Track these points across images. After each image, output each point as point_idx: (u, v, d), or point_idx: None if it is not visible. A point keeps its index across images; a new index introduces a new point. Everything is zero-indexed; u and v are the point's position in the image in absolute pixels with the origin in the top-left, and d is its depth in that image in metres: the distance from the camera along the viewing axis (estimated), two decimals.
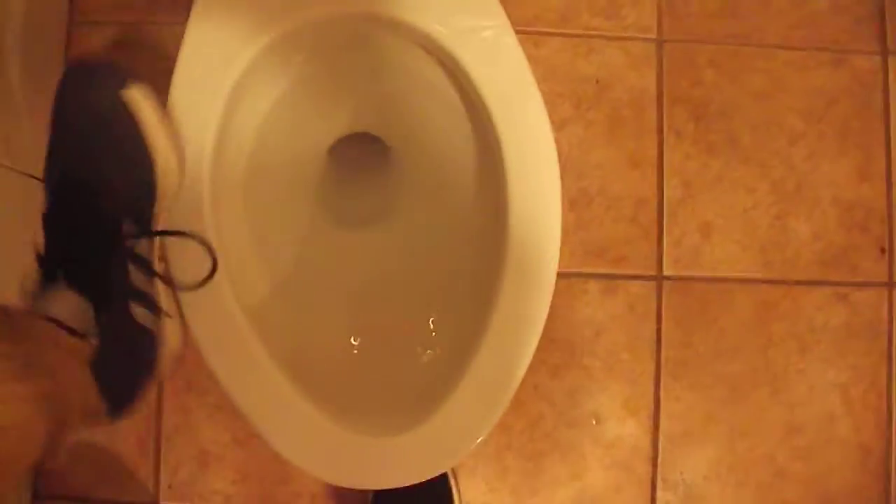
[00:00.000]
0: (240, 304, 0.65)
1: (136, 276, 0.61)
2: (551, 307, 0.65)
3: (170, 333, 0.66)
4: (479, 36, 0.67)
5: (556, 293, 0.92)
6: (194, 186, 0.65)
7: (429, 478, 0.65)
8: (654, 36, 0.97)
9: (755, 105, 0.97)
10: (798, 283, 0.96)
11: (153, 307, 0.63)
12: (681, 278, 0.95)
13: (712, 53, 0.97)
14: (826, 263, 0.97)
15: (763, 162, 0.97)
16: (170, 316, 0.65)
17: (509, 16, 0.68)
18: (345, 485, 0.66)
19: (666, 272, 0.95)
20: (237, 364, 0.66)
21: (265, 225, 0.77)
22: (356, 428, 0.65)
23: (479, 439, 0.64)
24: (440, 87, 0.75)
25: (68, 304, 0.55)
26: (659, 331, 0.95)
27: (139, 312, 0.61)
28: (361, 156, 0.88)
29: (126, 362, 0.61)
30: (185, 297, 0.64)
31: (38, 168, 0.91)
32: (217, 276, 0.63)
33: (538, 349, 0.64)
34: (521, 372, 0.65)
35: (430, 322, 0.77)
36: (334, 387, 0.72)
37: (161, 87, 0.93)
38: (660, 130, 0.96)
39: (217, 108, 0.66)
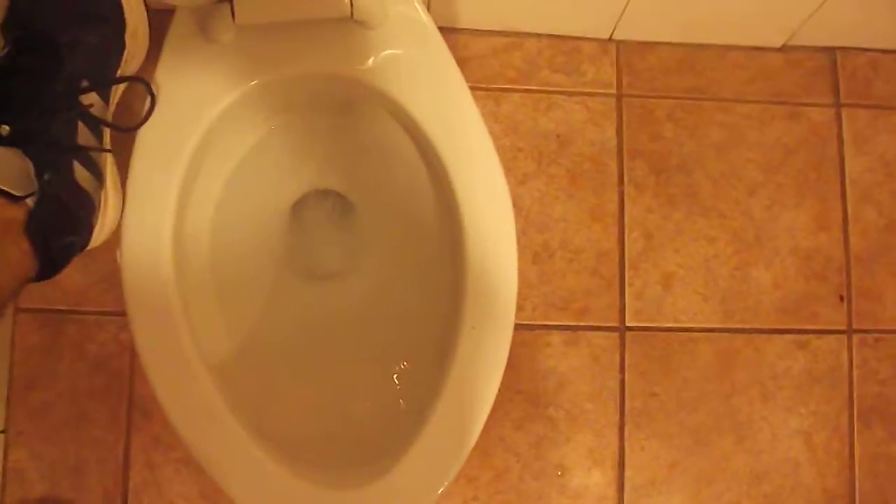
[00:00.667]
0: (204, 362, 0.66)
1: (85, 136, 0.59)
2: (515, 359, 0.66)
3: (110, 206, 0.65)
4: (438, 98, 0.69)
5: (520, 345, 0.94)
6: (157, 248, 0.66)
7: None
8: (613, 91, 0.99)
9: (714, 157, 0.99)
10: (759, 331, 0.98)
11: (96, 172, 0.61)
12: (643, 329, 0.96)
13: (671, 107, 0.99)
14: (786, 311, 0.98)
15: (723, 213, 0.98)
16: (111, 188, 0.64)
17: (471, 73, 0.70)
18: None
19: (628, 323, 0.96)
20: (200, 423, 0.66)
21: (230, 280, 0.79)
22: (320, 481, 0.66)
23: (441, 489, 0.65)
24: (402, 146, 0.77)
25: (8, 164, 0.54)
26: (622, 381, 0.96)
27: (81, 175, 0.59)
28: (325, 211, 0.89)
29: (62, 224, 0.59)
30: (147, 356, 0.65)
31: None
32: (181, 335, 0.64)
33: (503, 401, 0.65)
34: (481, 421, 0.66)
35: (394, 375, 0.79)
36: (298, 441, 0.73)
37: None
38: (620, 183, 0.98)
39: (180, 168, 0.67)
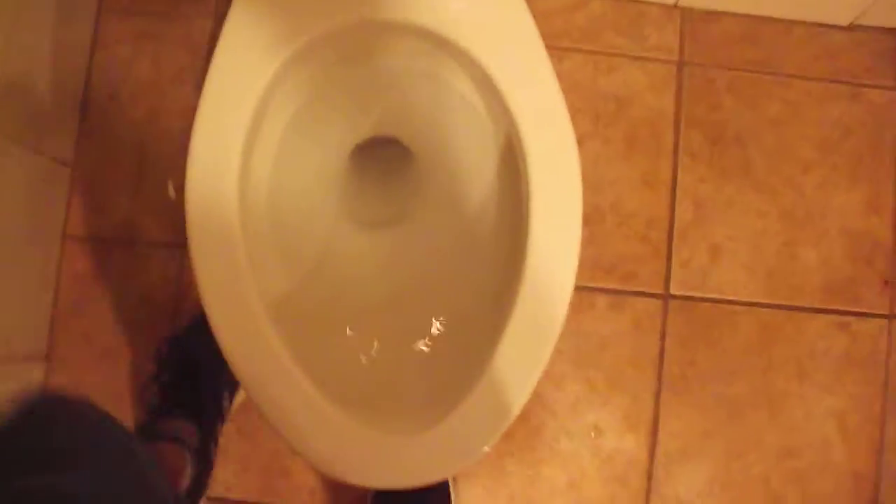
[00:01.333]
0: (263, 302, 0.66)
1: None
2: None
3: None
4: (513, 54, 0.68)
5: None
6: (223, 188, 0.66)
7: (437, 480, 0.66)
8: (675, 58, 0.98)
9: (771, 132, 0.98)
10: (801, 309, 0.98)
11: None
12: (687, 298, 0.97)
13: (731, 79, 0.98)
14: (830, 291, 0.98)
15: (775, 189, 0.98)
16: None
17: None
18: (354, 482, 0.67)
19: (673, 291, 0.96)
20: (258, 361, 0.66)
21: (289, 222, 0.79)
22: (369, 424, 0.66)
23: (489, 445, 0.65)
24: (468, 97, 0.76)
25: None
26: (662, 348, 0.96)
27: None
28: (384, 159, 0.89)
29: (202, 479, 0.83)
30: (208, 293, 0.65)
31: (58, 149, 0.92)
32: (242, 273, 0.64)
33: None
34: (534, 381, 0.66)
35: (442, 324, 0.78)
36: (349, 384, 0.73)
37: (186, 80, 0.95)
38: (675, 152, 0.97)
39: (249, 108, 0.67)
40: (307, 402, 0.66)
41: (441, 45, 0.70)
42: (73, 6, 0.95)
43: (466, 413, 0.65)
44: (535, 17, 0.69)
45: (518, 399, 0.66)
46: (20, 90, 0.86)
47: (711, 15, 0.99)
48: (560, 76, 0.89)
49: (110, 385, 0.95)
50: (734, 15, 0.99)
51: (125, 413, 0.95)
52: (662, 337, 0.96)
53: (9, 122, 0.83)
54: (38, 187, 0.92)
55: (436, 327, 0.78)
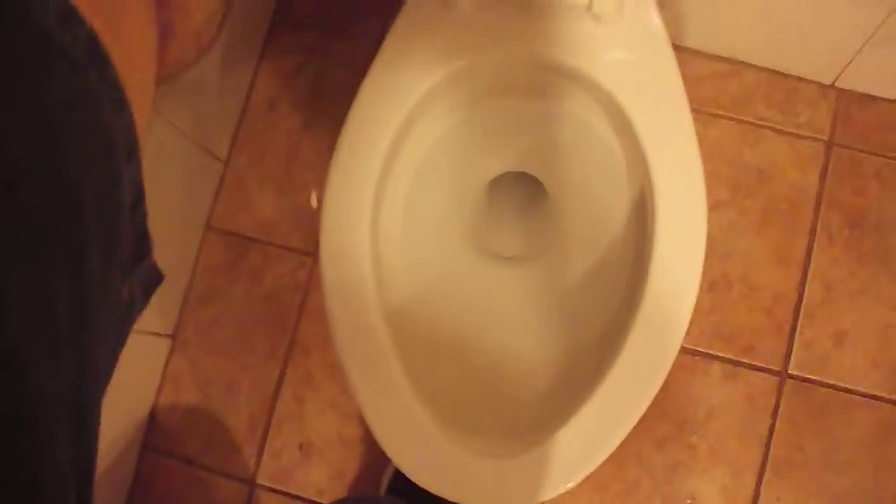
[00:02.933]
0: (383, 315, 0.69)
1: None
2: (671, 379, 0.66)
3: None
4: (659, 110, 0.69)
5: (679, 367, 0.94)
6: (358, 204, 0.69)
7: (539, 500, 0.67)
8: (825, 137, 0.97)
9: None
10: None
11: None
12: (805, 380, 0.94)
13: (881, 166, 0.97)
14: None
15: None
16: None
17: (686, 93, 0.71)
18: (437, 493, 0.69)
19: (791, 370, 0.95)
20: (369, 368, 0.69)
21: (419, 239, 0.81)
22: (468, 446, 0.67)
23: (578, 480, 0.66)
24: (609, 144, 0.78)
25: None
26: (772, 427, 0.94)
27: None
28: (519, 194, 0.91)
29: None
30: (332, 304, 0.68)
31: (216, 145, 0.98)
32: (367, 286, 0.67)
33: (648, 418, 0.65)
34: (632, 423, 0.66)
35: (553, 359, 0.80)
36: (452, 405, 0.75)
37: (344, 97, 0.99)
38: (813, 230, 0.96)
39: (391, 130, 0.71)
40: (409, 414, 0.68)
41: (592, 90, 0.72)
42: (249, 13, 1.01)
43: (563, 442, 0.66)
44: (687, 79, 0.71)
45: (611, 440, 0.66)
46: (194, 88, 0.92)
47: (867, 98, 0.97)
48: (705, 141, 0.90)
49: (227, 373, 0.99)
50: (891, 101, 0.97)
51: (237, 403, 0.99)
52: (774, 415, 0.94)
53: (181, 115, 0.89)
54: (193, 176, 0.98)
55: (549, 361, 0.80)
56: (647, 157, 0.69)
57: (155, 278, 0.36)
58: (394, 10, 0.70)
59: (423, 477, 0.68)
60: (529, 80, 0.80)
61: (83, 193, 0.27)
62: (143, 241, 0.33)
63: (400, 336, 0.71)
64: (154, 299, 0.38)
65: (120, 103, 0.29)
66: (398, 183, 0.79)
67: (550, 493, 0.66)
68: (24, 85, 0.25)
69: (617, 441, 0.66)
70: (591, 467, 0.66)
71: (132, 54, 0.33)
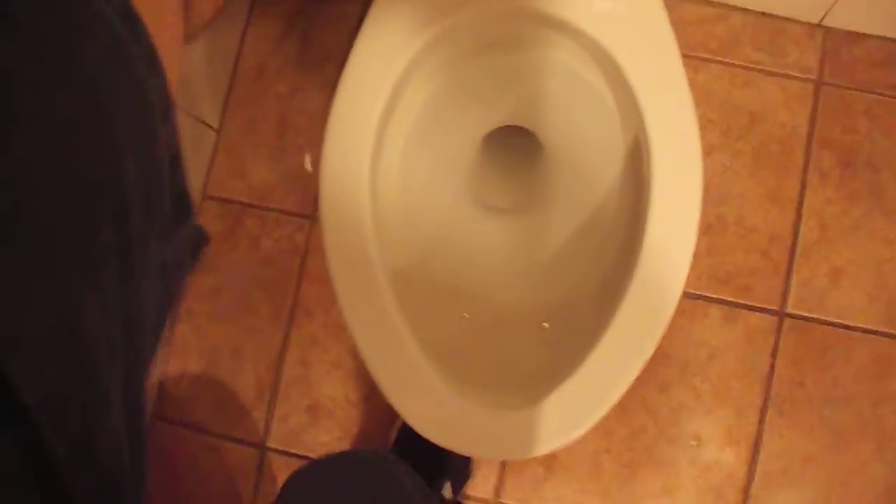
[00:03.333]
0: (386, 274, 0.70)
1: None
2: (671, 324, 0.67)
3: None
4: (650, 57, 0.70)
5: (679, 312, 0.94)
6: (355, 164, 0.69)
7: (530, 456, 0.68)
8: (813, 77, 0.98)
9: None
10: None
11: None
12: (803, 318, 0.96)
13: (870, 103, 0.97)
14: None
15: None
16: None
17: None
18: (453, 449, 0.69)
19: (789, 309, 0.96)
20: (375, 325, 0.70)
21: (417, 201, 0.82)
22: (473, 397, 0.68)
23: (585, 429, 0.67)
24: (601, 93, 0.78)
25: None
26: (773, 365, 0.95)
27: None
28: (514, 148, 0.92)
29: None
30: (336, 266, 0.68)
31: (207, 113, 0.98)
32: (369, 244, 0.68)
33: (651, 363, 0.66)
34: (636, 371, 0.67)
35: (553, 310, 0.80)
36: (459, 358, 0.76)
37: (332, 59, 0.99)
38: (805, 170, 0.97)
39: (384, 92, 0.71)
40: (416, 370, 0.69)
41: (580, 40, 0.72)
42: None
43: (567, 394, 0.67)
44: (674, 25, 0.71)
45: (616, 389, 0.67)
46: (182, 58, 0.92)
47: (855, 36, 0.98)
48: (694, 86, 0.90)
49: (232, 339, 1.00)
50: (879, 38, 0.98)
51: (244, 369, 1.00)
52: (774, 354, 0.96)
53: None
54: (186, 146, 0.98)
55: (548, 312, 0.80)
56: (640, 106, 0.69)
57: (201, 239, 0.36)
58: None
59: (432, 431, 0.68)
60: (518, 34, 0.80)
61: (125, 150, 0.27)
62: (183, 202, 0.33)
63: (402, 293, 0.71)
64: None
65: (153, 63, 0.30)
66: (394, 144, 0.79)
67: (555, 444, 0.67)
68: (62, 45, 0.26)
69: (619, 393, 0.66)
70: (595, 418, 0.66)
71: (161, 13, 0.34)
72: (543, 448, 0.70)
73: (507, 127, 0.90)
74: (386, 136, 0.75)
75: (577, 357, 0.68)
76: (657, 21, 0.72)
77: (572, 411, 0.68)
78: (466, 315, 0.83)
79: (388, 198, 0.79)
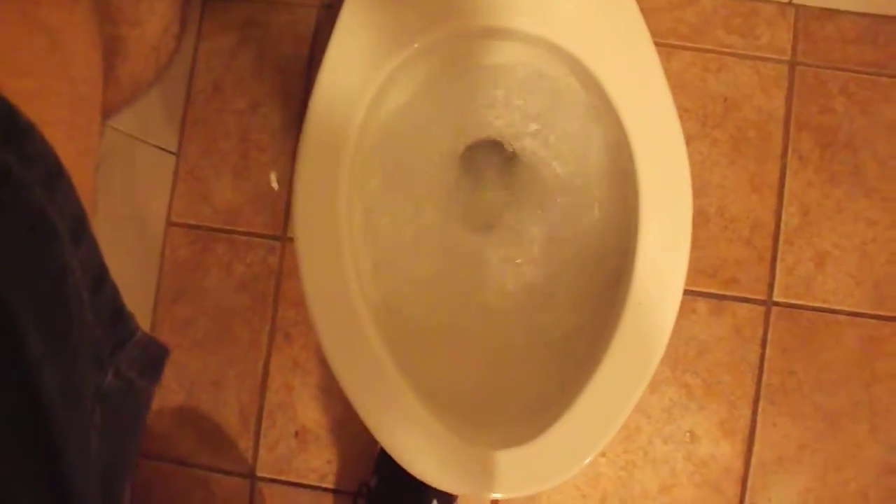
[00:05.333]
0: (365, 301, 0.66)
1: None
2: None
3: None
4: (622, 54, 0.67)
5: None
6: (331, 192, 0.66)
7: (538, 490, 0.66)
8: (787, 58, 0.95)
9: (885, 137, 0.95)
10: None
11: None
12: (790, 305, 0.94)
13: (845, 81, 0.95)
14: None
15: (887, 196, 0.95)
16: None
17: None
18: (455, 492, 0.67)
19: (776, 298, 0.94)
20: (357, 358, 0.67)
21: (396, 223, 0.79)
22: (469, 438, 0.66)
23: (589, 458, 0.65)
24: (577, 97, 0.75)
25: None
26: (763, 356, 0.94)
27: None
28: (492, 164, 0.89)
29: None
30: (313, 299, 0.65)
31: (164, 138, 0.94)
32: (346, 274, 0.65)
33: None
34: (638, 393, 0.65)
35: (544, 335, 0.78)
36: (447, 394, 0.73)
37: (290, 69, 0.95)
38: (784, 155, 0.95)
39: (363, 100, 0.67)
40: (403, 406, 0.66)
41: (549, 48, 0.69)
42: None
43: (571, 424, 0.65)
44: (644, 12, 0.68)
45: (620, 413, 0.65)
46: None
47: (827, 13, 0.95)
48: (668, 74, 0.87)
49: (211, 369, 0.97)
50: (851, 13, 0.95)
51: (226, 398, 0.97)
52: (763, 344, 0.94)
53: (124, 117, 0.84)
54: (146, 175, 0.94)
55: (539, 338, 0.78)
56: (616, 107, 0.67)
57: (157, 352, 0.33)
58: None
59: (426, 473, 0.66)
60: (485, 48, 0.77)
61: (12, 307, 0.24)
62: (119, 323, 0.30)
63: (385, 327, 0.68)
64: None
65: (53, 180, 0.26)
66: (368, 174, 0.76)
67: (566, 474, 0.64)
68: None
69: (627, 411, 0.64)
70: (605, 440, 0.65)
71: (69, 89, 0.30)
72: (548, 482, 0.68)
73: (485, 142, 0.86)
74: (359, 168, 0.72)
75: (577, 384, 0.66)
76: (627, 14, 0.69)
77: (576, 441, 0.65)
78: (455, 347, 0.80)
79: (366, 229, 0.76)
